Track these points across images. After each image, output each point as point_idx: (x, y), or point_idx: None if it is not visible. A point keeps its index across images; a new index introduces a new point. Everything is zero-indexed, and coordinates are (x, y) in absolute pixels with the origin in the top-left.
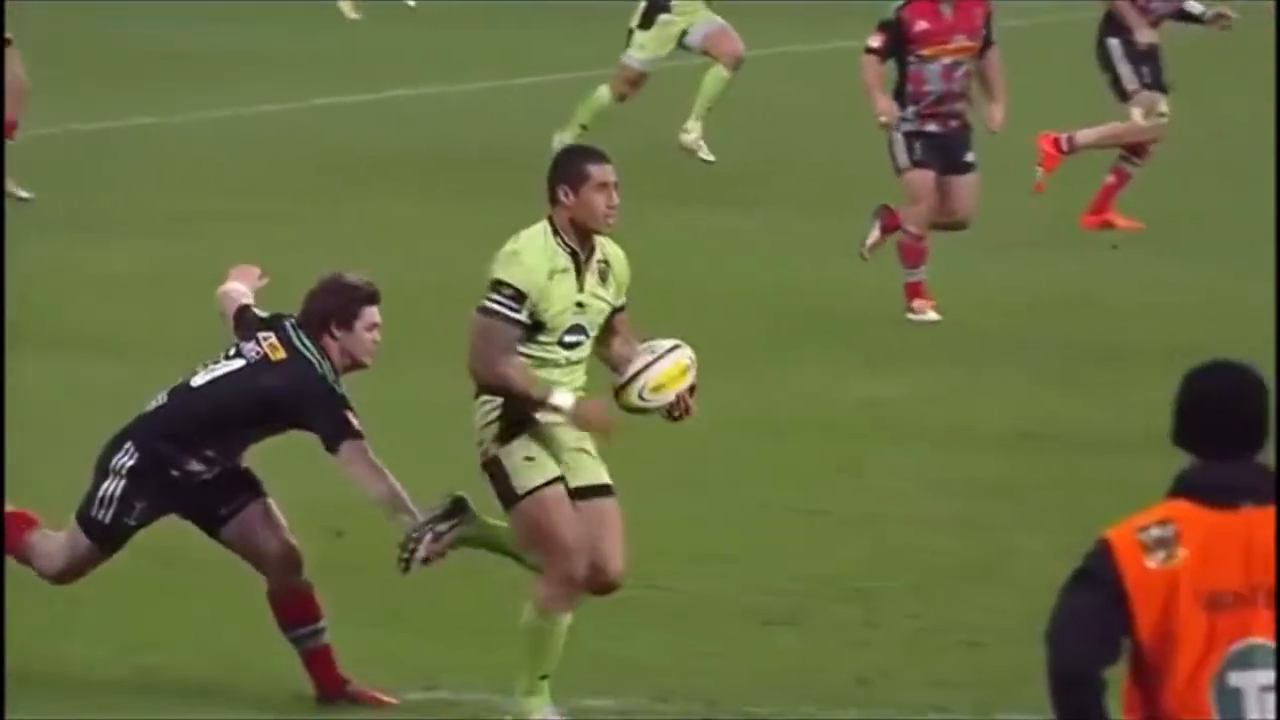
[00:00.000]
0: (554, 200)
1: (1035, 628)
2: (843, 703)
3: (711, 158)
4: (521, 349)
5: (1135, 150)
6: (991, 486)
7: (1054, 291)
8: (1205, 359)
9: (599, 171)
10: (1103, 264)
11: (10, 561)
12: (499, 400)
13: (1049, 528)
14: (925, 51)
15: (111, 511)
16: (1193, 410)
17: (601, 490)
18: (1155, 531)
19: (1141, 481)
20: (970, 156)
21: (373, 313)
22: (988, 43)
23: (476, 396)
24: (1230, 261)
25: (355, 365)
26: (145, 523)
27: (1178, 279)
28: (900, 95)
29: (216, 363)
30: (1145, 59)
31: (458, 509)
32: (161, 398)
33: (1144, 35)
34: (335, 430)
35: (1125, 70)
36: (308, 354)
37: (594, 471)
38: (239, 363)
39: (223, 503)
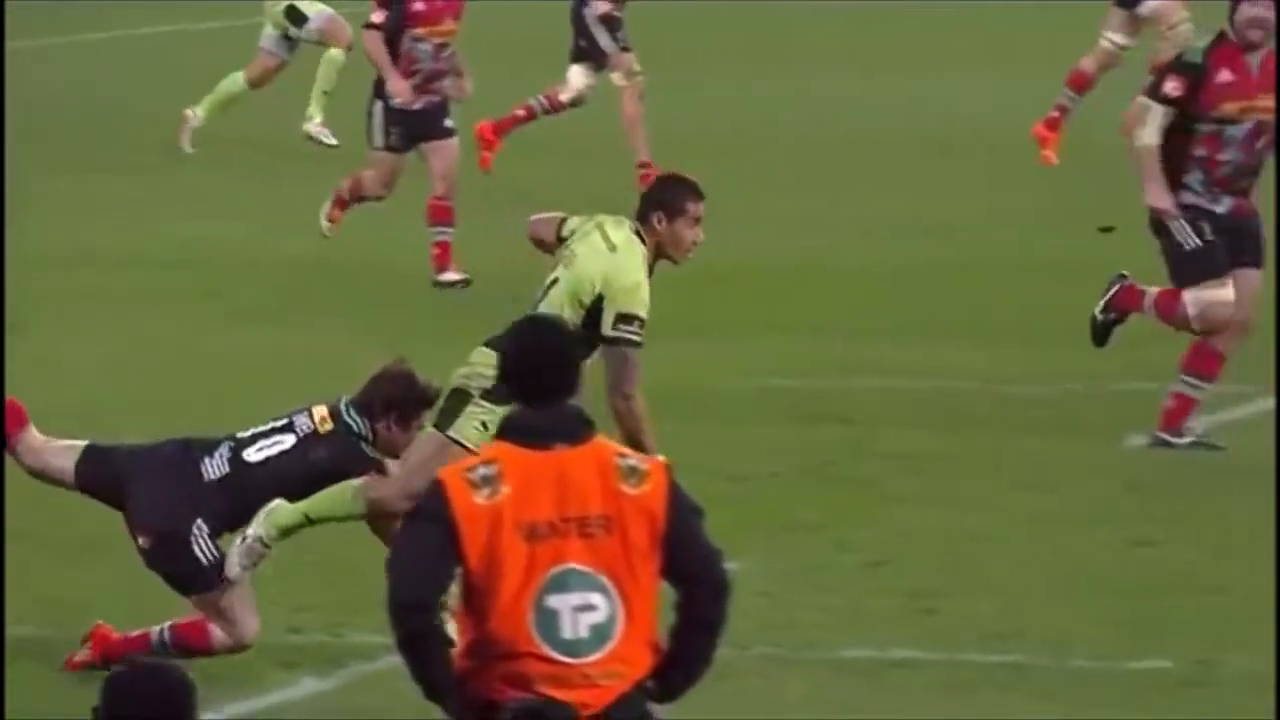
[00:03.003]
0: (644, 220)
1: None
2: None
3: (334, 141)
4: None
5: (553, 103)
6: None
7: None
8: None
9: (695, 208)
10: None
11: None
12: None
13: None
14: (420, 30)
15: (212, 550)
16: (511, 362)
17: None
18: (481, 470)
19: None
20: (449, 123)
21: (423, 416)
22: None
23: (486, 345)
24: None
25: (387, 454)
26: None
27: None
28: None
29: (268, 435)
30: (614, 25)
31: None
32: (221, 467)
33: (602, 5)
34: None
35: (604, 39)
36: (357, 428)
37: None
38: (290, 439)
39: None
